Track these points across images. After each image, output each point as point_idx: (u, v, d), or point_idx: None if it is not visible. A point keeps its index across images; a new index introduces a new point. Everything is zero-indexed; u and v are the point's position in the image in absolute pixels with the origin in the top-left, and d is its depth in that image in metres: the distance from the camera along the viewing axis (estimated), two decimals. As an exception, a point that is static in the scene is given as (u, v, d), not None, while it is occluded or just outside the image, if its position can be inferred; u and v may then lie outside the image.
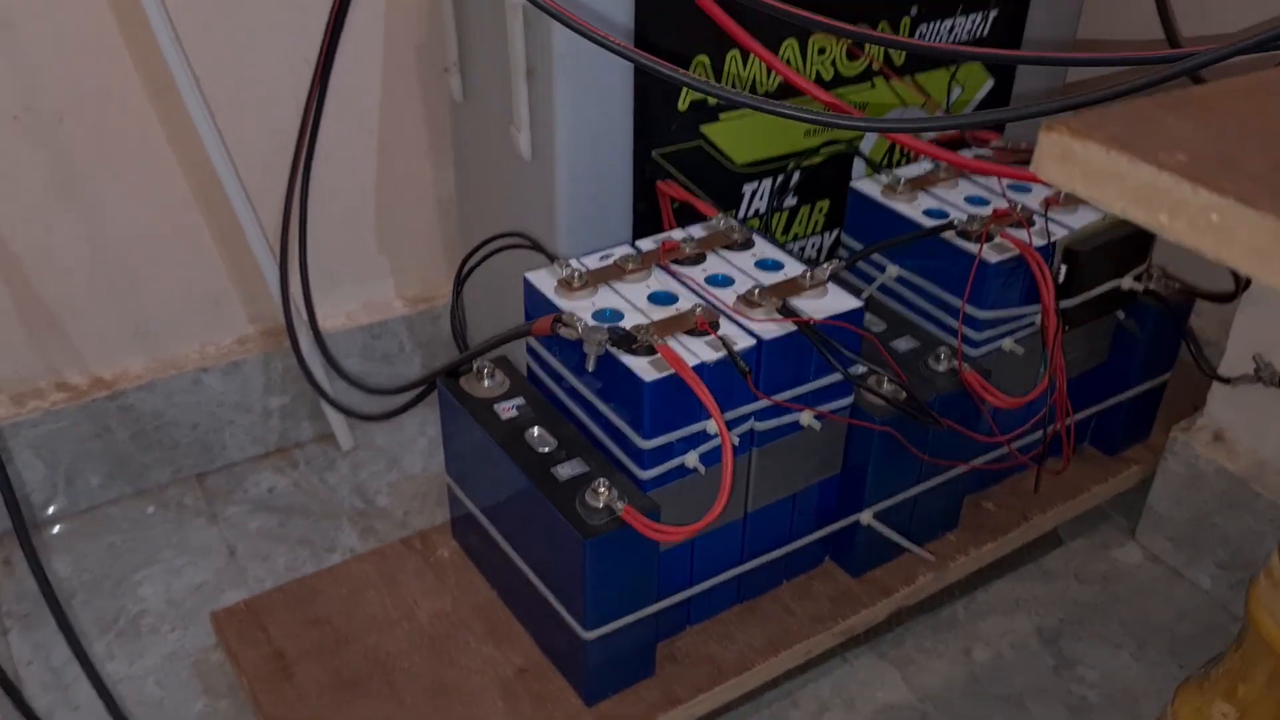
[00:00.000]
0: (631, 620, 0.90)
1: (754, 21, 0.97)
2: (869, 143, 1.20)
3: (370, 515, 1.22)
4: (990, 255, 1.00)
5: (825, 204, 1.21)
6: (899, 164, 1.23)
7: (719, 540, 0.96)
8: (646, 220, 1.08)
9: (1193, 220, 0.41)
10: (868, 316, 1.07)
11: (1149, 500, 1.20)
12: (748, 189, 1.15)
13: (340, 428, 1.29)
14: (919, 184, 1.11)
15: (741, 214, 1.16)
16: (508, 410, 0.95)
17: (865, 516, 1.02)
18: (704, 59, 1.04)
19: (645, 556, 0.87)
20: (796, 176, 1.17)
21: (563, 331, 0.87)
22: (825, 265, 0.95)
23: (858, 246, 1.12)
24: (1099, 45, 1.34)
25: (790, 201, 1.18)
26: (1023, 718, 1.03)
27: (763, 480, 0.95)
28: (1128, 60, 0.82)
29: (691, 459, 0.89)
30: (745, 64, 1.07)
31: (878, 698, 1.06)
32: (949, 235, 1.02)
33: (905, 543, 1.05)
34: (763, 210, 1.17)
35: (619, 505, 0.83)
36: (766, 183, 1.16)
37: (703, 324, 0.88)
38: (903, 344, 1.04)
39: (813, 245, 1.23)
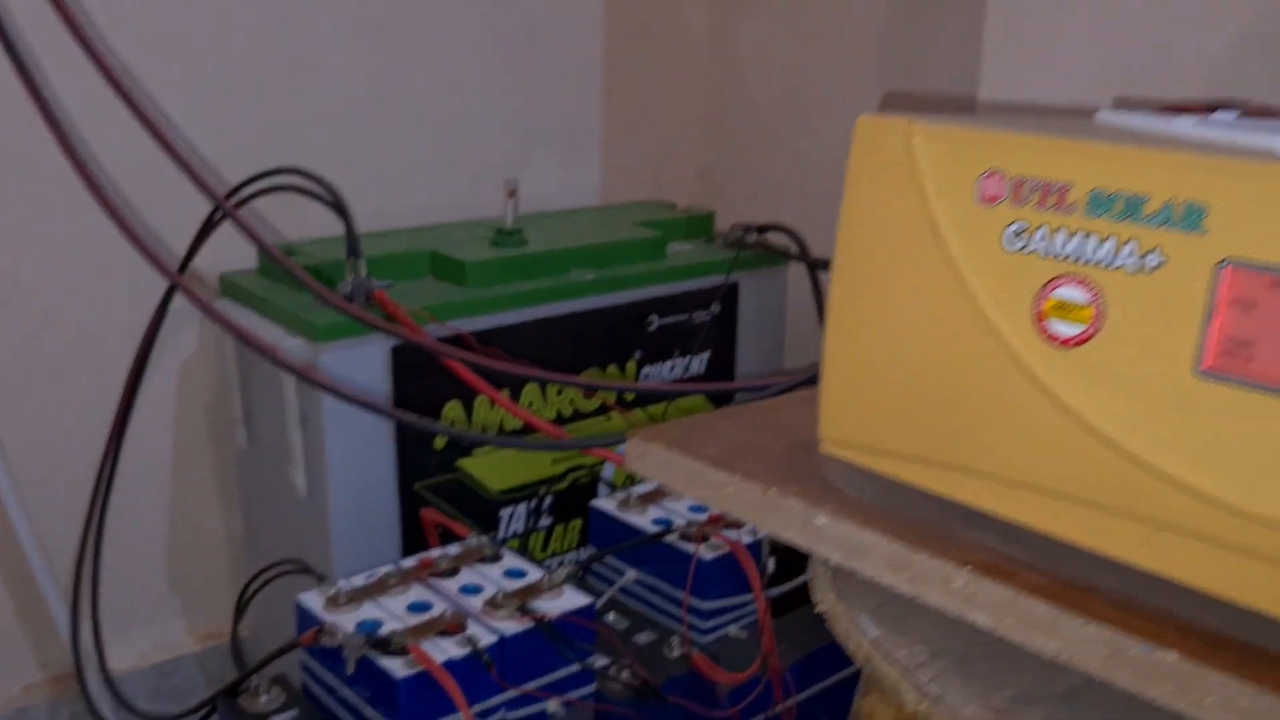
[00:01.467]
0: None
1: (498, 370, 1.17)
2: (610, 469, 1.39)
3: None
4: (705, 553, 1.17)
5: (578, 523, 1.38)
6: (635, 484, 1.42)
7: (481, 830, 1.05)
8: (413, 542, 1.23)
9: (716, 493, 0.58)
10: (612, 615, 1.22)
11: (886, 769, 1.33)
12: (505, 513, 1.31)
13: (128, 767, 1.33)
14: (649, 499, 1.29)
15: (501, 535, 1.31)
16: (281, 722, 1.04)
17: (617, 798, 1.12)
18: (456, 404, 1.23)
19: (406, 845, 0.96)
20: (549, 500, 1.34)
21: (324, 641, 0.99)
22: (561, 571, 1.11)
23: (614, 565, 1.28)
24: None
25: (545, 522, 1.35)
26: None
27: (518, 768, 1.06)
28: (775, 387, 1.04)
29: (447, 751, 0.99)
30: (492, 406, 1.26)
31: None
32: (671, 539, 1.20)
33: (658, 821, 1.15)
34: (521, 531, 1.33)
35: (378, 796, 0.93)
36: (522, 506, 1.32)
37: (452, 626, 1.01)
38: (643, 637, 1.19)
39: (570, 560, 1.39)
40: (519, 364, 1.17)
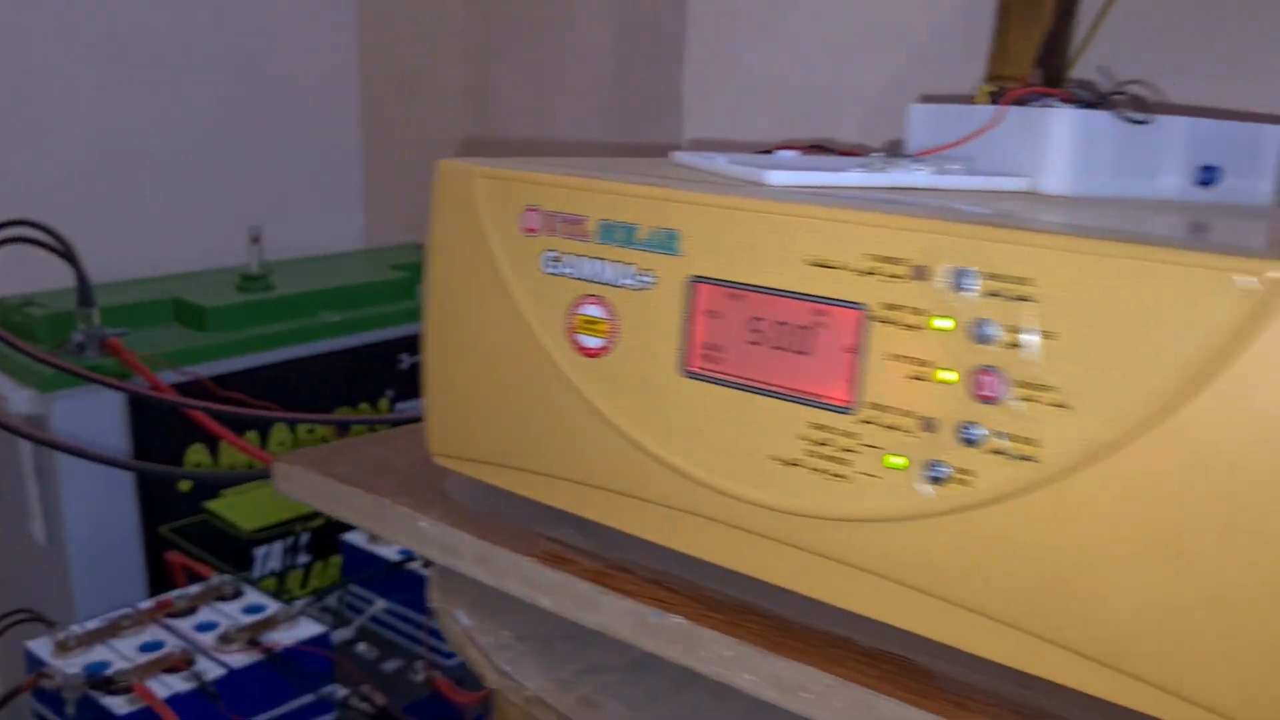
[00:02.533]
0: None
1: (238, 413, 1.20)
2: (371, 502, 1.43)
3: None
4: (447, 578, 1.22)
5: (338, 559, 1.41)
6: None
7: None
8: (160, 586, 1.24)
9: (345, 506, 0.63)
10: (364, 645, 1.25)
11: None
12: (259, 552, 1.33)
13: None
14: (401, 530, 1.33)
15: (258, 574, 1.33)
16: (9, 771, 1.04)
17: (363, 822, 1.15)
18: (201, 448, 1.25)
19: None
20: (306, 537, 1.37)
21: (44, 684, 1.00)
22: (298, 603, 1.14)
23: (363, 595, 1.32)
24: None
25: (303, 560, 1.37)
26: None
27: (256, 799, 1.08)
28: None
29: (176, 785, 1.01)
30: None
31: None
32: (415, 566, 1.24)
33: (407, 842, 1.19)
34: (278, 569, 1.35)
35: (100, 834, 0.94)
36: (278, 545, 1.35)
37: (179, 662, 1.04)
38: (390, 664, 1.23)
39: (332, 597, 1.41)
40: (254, 405, 1.20)
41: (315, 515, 1.37)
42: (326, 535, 1.39)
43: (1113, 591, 0.40)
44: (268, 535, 1.33)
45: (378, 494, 0.62)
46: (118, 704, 0.98)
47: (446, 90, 1.72)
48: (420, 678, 1.20)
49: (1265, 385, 0.37)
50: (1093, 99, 0.61)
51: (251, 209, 1.55)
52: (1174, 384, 0.38)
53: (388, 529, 0.62)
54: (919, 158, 0.58)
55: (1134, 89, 0.62)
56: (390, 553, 1.28)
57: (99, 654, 1.06)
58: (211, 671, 1.04)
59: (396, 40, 1.67)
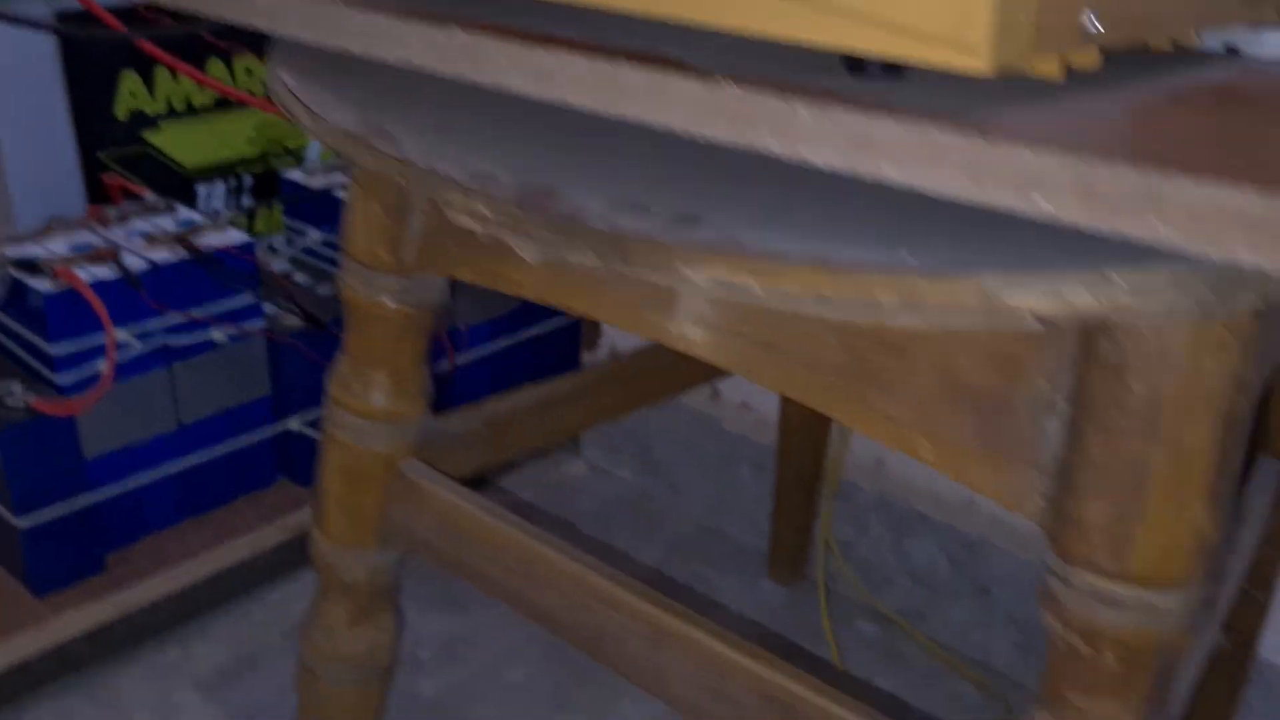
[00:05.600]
0: (65, 512, 1.06)
1: (177, 44, 1.20)
2: (316, 150, 1.45)
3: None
4: (376, 206, 1.25)
5: (281, 207, 1.44)
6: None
7: (157, 451, 1.14)
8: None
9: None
10: (300, 275, 1.30)
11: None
12: (201, 190, 1.36)
13: None
14: (340, 168, 1.36)
15: (200, 211, 1.37)
16: (-49, 354, 1.10)
17: (294, 424, 1.22)
18: (133, 75, 1.26)
19: (64, 444, 1.04)
20: (249, 180, 1.40)
21: (-29, 265, 1.04)
22: (226, 215, 1.18)
23: (298, 227, 1.35)
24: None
25: (247, 203, 1.41)
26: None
27: (189, 394, 1.14)
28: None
29: (103, 366, 1.07)
30: (175, 78, 1.29)
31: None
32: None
33: (339, 450, 1.26)
34: (220, 210, 1.38)
35: (30, 399, 1.01)
36: (219, 185, 1.37)
37: (105, 254, 1.08)
38: (325, 289, 1.27)
39: (274, 242, 1.45)
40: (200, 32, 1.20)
41: (258, 159, 1.40)
42: (269, 180, 1.41)
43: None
44: (210, 174, 1.36)
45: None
46: (42, 285, 1.03)
47: None
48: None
49: None
50: None
51: None
52: None
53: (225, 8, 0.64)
54: None
55: None
56: (328, 184, 1.31)
57: (29, 250, 1.11)
58: (137, 265, 1.08)
59: None
